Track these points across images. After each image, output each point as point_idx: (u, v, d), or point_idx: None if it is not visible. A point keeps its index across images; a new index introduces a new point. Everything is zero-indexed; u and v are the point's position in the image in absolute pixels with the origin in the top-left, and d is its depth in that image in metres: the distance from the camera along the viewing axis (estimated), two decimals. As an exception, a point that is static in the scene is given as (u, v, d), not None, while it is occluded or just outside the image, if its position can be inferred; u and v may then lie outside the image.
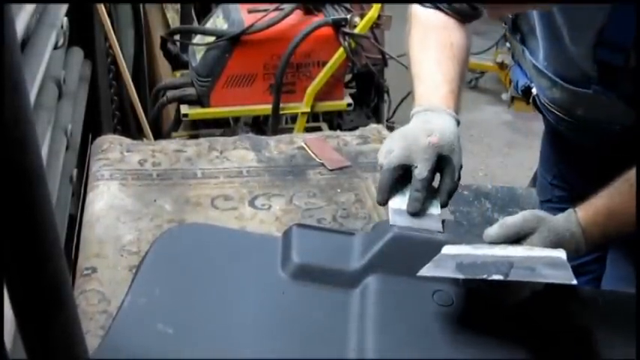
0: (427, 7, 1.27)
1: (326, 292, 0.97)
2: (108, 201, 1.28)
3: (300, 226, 1.08)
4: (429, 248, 0.96)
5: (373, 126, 1.70)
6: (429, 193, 1.06)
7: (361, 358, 0.87)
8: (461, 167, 1.07)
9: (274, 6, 2.48)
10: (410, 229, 1.02)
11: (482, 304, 0.95)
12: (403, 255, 0.99)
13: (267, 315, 0.94)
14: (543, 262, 0.90)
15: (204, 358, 0.84)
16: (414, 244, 1.00)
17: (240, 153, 1.49)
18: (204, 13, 2.98)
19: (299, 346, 0.88)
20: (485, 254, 0.93)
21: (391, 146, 1.07)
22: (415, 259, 0.94)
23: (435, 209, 1.05)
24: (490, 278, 0.88)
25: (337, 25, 2.47)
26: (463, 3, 1.22)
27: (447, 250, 0.96)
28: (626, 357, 0.89)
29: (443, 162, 1.05)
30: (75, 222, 1.61)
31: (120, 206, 1.26)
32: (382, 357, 0.87)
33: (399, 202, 1.05)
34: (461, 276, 0.91)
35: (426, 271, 0.92)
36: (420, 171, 1.03)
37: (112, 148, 1.45)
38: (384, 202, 1.07)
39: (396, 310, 0.94)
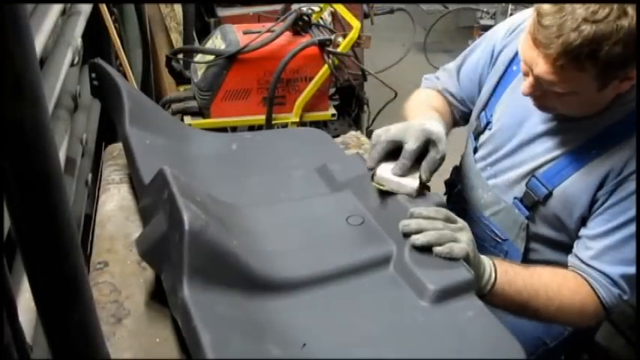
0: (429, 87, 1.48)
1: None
2: (118, 202, 1.27)
3: None
4: None
5: (352, 133, 1.69)
6: (414, 167, 1.09)
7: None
8: (444, 156, 1.10)
9: (267, 28, 2.48)
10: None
11: None
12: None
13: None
14: None
15: None
16: None
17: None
18: (204, 34, 2.98)
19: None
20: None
21: (389, 127, 1.12)
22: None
23: (413, 179, 1.08)
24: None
25: (322, 44, 2.47)
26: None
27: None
28: None
29: (430, 145, 1.10)
30: (90, 221, 1.59)
31: (129, 207, 1.26)
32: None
33: (385, 169, 1.10)
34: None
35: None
36: (410, 145, 1.08)
37: (121, 154, 1.44)
38: (372, 168, 1.11)
39: None
